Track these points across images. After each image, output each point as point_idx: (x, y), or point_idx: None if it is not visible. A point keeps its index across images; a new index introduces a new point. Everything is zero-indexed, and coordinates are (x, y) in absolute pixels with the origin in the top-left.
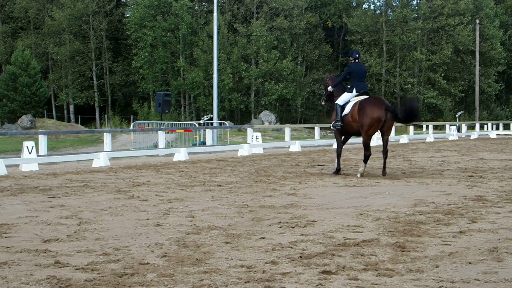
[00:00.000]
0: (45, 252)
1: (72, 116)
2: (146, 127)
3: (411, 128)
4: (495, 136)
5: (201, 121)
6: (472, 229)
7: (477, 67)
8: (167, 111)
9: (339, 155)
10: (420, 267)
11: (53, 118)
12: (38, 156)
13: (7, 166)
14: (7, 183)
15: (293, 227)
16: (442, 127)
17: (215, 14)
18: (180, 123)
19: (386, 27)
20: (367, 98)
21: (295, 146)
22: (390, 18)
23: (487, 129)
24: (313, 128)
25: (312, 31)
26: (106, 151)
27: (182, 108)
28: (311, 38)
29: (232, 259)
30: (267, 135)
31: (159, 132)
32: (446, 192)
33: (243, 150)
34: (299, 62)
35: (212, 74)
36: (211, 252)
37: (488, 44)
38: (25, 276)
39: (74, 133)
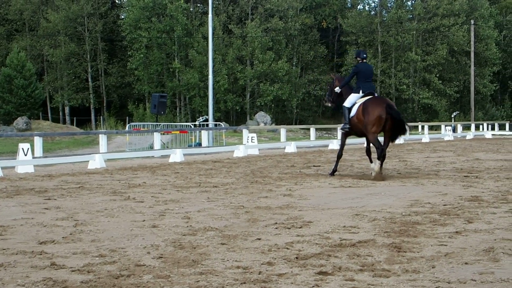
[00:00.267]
0: (41, 254)
1: (67, 117)
2: (141, 129)
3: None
4: (490, 137)
5: (197, 123)
6: (468, 230)
7: (472, 67)
8: (162, 112)
9: (339, 156)
10: (417, 268)
11: (48, 120)
12: (33, 158)
13: (2, 168)
14: (3, 185)
15: (289, 228)
16: (437, 128)
17: (210, 15)
18: (176, 125)
19: (381, 28)
20: (371, 97)
21: (291, 147)
22: (385, 19)
23: (483, 129)
24: (308, 129)
25: (307, 32)
26: (101, 153)
27: (178, 109)
28: (306, 39)
29: (228, 260)
30: (262, 136)
31: (154, 133)
32: (442, 193)
33: (239, 151)
34: (294, 63)
35: (207, 75)
36: (207, 253)
37: (483, 45)
38: (21, 278)
39: (70, 135)
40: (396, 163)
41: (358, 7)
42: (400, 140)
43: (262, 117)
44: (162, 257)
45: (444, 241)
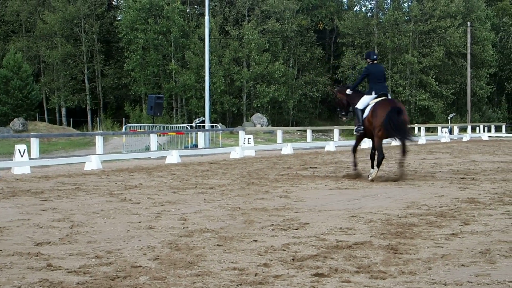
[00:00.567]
0: (37, 255)
1: (64, 119)
2: (138, 130)
3: None
4: (487, 138)
5: (193, 124)
6: (465, 231)
7: (469, 69)
8: (159, 114)
9: (354, 151)
10: (413, 270)
11: (45, 121)
12: (30, 159)
13: None
14: None
15: (286, 230)
16: (434, 129)
17: (206, 17)
18: (172, 126)
19: (378, 30)
20: (382, 100)
21: (287, 149)
22: (381, 20)
23: (479, 131)
24: (305, 131)
25: (304, 33)
26: (98, 154)
27: (174, 110)
28: (302, 41)
29: (224, 261)
30: (259, 138)
31: (151, 134)
32: (439, 194)
33: (235, 153)
34: (290, 65)
35: (203, 76)
36: (203, 255)
37: (480, 47)
38: (17, 279)
39: (66, 136)
40: (393, 165)
41: (355, 8)
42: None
43: (259, 118)
44: (158, 258)
45: (440, 243)
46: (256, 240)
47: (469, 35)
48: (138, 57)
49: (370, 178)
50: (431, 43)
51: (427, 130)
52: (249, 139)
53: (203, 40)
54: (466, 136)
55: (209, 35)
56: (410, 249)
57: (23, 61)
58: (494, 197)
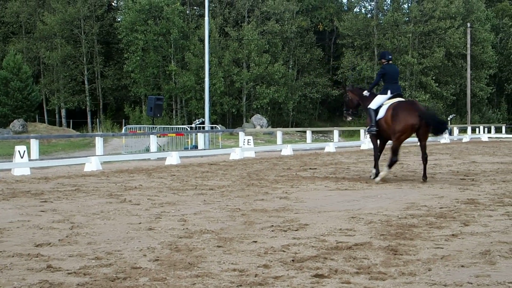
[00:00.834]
0: (37, 257)
1: (63, 120)
2: (137, 131)
3: None
4: (487, 139)
5: (193, 125)
6: (465, 232)
7: (469, 70)
8: (158, 115)
9: (376, 158)
10: (413, 271)
11: (44, 123)
12: (30, 160)
13: None
14: None
15: (285, 231)
16: None
17: (206, 18)
18: (172, 127)
19: (377, 31)
20: (401, 102)
21: (287, 150)
22: (381, 21)
23: (479, 132)
24: (304, 132)
25: (303, 34)
26: (97, 155)
27: (174, 112)
28: (302, 42)
29: (224, 263)
30: (258, 139)
31: (150, 136)
32: (438, 195)
33: (235, 154)
34: (290, 66)
35: (203, 78)
36: (203, 256)
37: (480, 48)
38: (17, 280)
39: (66, 137)
40: (392, 166)
41: (355, 10)
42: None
43: (259, 119)
44: (158, 259)
45: (440, 244)
46: (256, 241)
47: (468, 36)
48: (138, 58)
49: (378, 179)
50: (431, 44)
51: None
52: (248, 140)
53: (203, 41)
54: (466, 137)
55: (209, 36)
56: (410, 250)
57: (23, 62)
58: (494, 198)
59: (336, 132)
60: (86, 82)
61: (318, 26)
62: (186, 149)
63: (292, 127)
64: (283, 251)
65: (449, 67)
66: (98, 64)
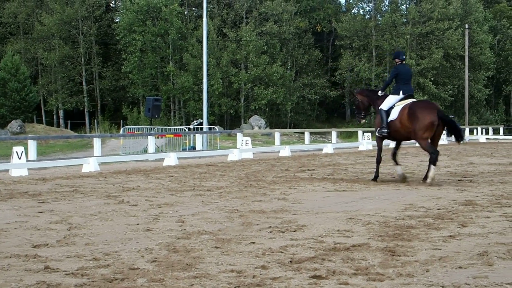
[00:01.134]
0: (34, 257)
1: (61, 121)
2: (135, 132)
3: None
4: (484, 141)
5: (191, 126)
6: (462, 234)
7: (466, 71)
8: (156, 116)
9: (378, 161)
10: (411, 272)
11: (42, 123)
12: (27, 161)
13: None
14: None
15: (283, 232)
16: None
17: (204, 19)
18: (170, 128)
19: (376, 32)
20: (417, 101)
21: (285, 151)
22: (379, 23)
23: (477, 133)
24: (302, 133)
25: (302, 36)
26: (95, 156)
27: (172, 113)
28: (300, 43)
29: (222, 264)
30: (256, 140)
31: (148, 137)
32: (436, 197)
33: (233, 155)
34: (288, 67)
35: (201, 79)
36: (201, 257)
37: (478, 49)
38: (14, 281)
39: (64, 138)
40: (390, 167)
41: (353, 11)
42: (394, 144)
43: (257, 120)
44: (156, 260)
45: (438, 245)
46: (253, 242)
47: (466, 38)
48: (136, 59)
49: (429, 180)
50: (429, 45)
51: None
52: (247, 141)
53: (201, 42)
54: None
55: (207, 37)
56: (408, 251)
57: (20, 63)
58: (491, 199)
59: (334, 133)
60: (84, 83)
61: (316, 27)
62: (184, 150)
63: (290, 128)
64: (281, 252)
65: (447, 69)
66: (96, 65)
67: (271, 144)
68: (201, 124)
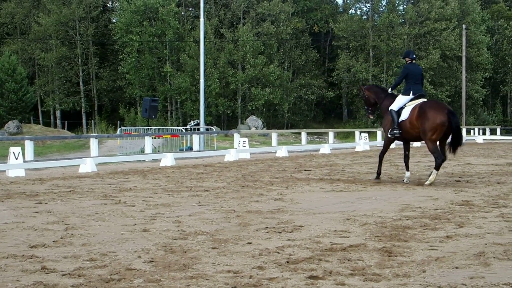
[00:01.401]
0: (31, 258)
1: (58, 121)
2: (132, 133)
3: None
4: (481, 141)
5: (188, 127)
6: (459, 234)
7: (463, 72)
8: (153, 116)
9: (381, 160)
10: (407, 272)
11: (39, 124)
12: (24, 161)
13: None
14: None
15: (280, 232)
16: None
17: (201, 19)
18: (167, 129)
19: (373, 32)
20: (427, 101)
21: (282, 151)
22: (376, 23)
23: (474, 134)
24: (299, 133)
25: (299, 36)
26: (92, 157)
27: (169, 113)
28: (297, 43)
29: (219, 264)
30: (254, 140)
31: (145, 137)
32: (433, 197)
33: (230, 156)
34: (285, 67)
35: (198, 79)
36: (197, 257)
37: (475, 50)
38: (11, 281)
39: (61, 139)
40: (387, 168)
41: (350, 11)
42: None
43: (254, 121)
44: (152, 261)
45: (434, 245)
46: (250, 243)
47: (464, 38)
48: (133, 59)
49: (427, 182)
50: (426, 45)
51: None
52: (244, 142)
53: (198, 42)
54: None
55: (204, 37)
56: (405, 251)
57: (17, 63)
58: (488, 199)
59: (331, 134)
60: (81, 84)
61: (314, 28)
62: (181, 150)
63: (287, 128)
64: (278, 252)
65: (445, 69)
66: (93, 66)
67: (268, 145)
68: (198, 124)
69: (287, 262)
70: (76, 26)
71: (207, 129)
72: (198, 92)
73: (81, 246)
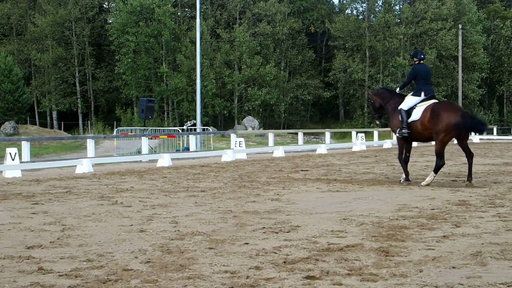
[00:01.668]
0: (28, 259)
1: (55, 122)
2: (129, 133)
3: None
4: (478, 141)
5: (184, 127)
6: (456, 234)
7: (460, 72)
8: (150, 117)
9: (402, 161)
10: (404, 272)
11: (36, 125)
12: (21, 162)
13: None
14: None
15: (277, 233)
16: None
17: (198, 20)
18: (164, 129)
19: (369, 33)
20: (440, 103)
21: (279, 152)
22: (372, 23)
23: (471, 133)
24: (296, 134)
25: (295, 36)
26: (89, 157)
27: (165, 114)
28: (294, 44)
29: (215, 264)
30: (250, 141)
31: (142, 138)
32: (430, 197)
33: (227, 156)
34: (282, 68)
35: (195, 79)
36: (194, 258)
37: (471, 50)
38: (8, 282)
39: (57, 140)
40: (384, 168)
41: (346, 11)
42: (388, 145)
43: (250, 121)
44: (149, 261)
45: (431, 245)
46: (247, 243)
47: (460, 38)
48: (129, 60)
49: (423, 183)
50: (423, 45)
51: None
52: (240, 142)
53: (194, 43)
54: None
55: (201, 38)
56: (402, 251)
57: (14, 64)
58: (485, 199)
59: (327, 134)
60: (77, 84)
61: (310, 28)
62: (177, 151)
63: (283, 128)
64: (275, 252)
65: (441, 69)
66: (90, 66)
67: (265, 145)
68: (194, 125)
69: (284, 262)
70: (72, 27)
71: (203, 129)
72: (195, 92)
73: (78, 246)
